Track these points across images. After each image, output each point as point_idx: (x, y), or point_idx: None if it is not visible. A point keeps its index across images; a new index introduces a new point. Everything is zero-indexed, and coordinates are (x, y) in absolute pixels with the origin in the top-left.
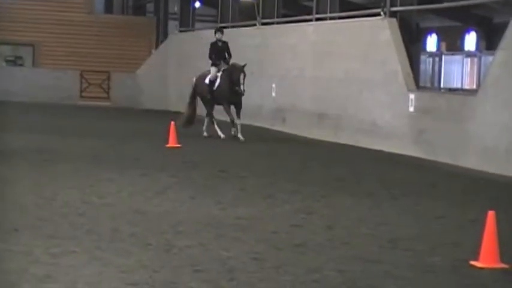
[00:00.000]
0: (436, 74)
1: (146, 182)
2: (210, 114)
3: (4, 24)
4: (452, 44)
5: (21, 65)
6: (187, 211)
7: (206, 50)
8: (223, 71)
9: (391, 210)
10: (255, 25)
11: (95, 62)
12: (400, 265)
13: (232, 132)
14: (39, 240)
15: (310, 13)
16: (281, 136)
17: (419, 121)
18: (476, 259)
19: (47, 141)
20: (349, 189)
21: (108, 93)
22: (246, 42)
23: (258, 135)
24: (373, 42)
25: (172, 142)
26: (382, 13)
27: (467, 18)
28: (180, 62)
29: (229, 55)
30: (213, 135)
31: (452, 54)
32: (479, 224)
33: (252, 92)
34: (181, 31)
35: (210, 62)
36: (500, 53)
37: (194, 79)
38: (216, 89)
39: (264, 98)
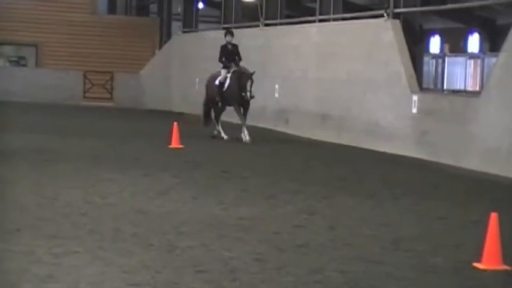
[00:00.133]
0: (439, 76)
1: (148, 182)
2: (217, 117)
3: (7, 25)
4: (456, 46)
5: (24, 65)
6: (190, 211)
7: (209, 50)
8: (232, 73)
9: (393, 211)
10: (258, 26)
11: (98, 62)
12: (402, 266)
13: (243, 136)
14: (41, 240)
15: (313, 14)
16: (284, 137)
17: (422, 122)
18: (478, 261)
19: (48, 141)
20: (351, 190)
21: (111, 93)
22: (249, 43)
23: (261, 136)
24: (376, 44)
25: (174, 143)
26: (385, 14)
27: (470, 19)
28: (184, 62)
29: (240, 58)
30: (218, 136)
31: (456, 56)
32: (482, 225)
33: (255, 93)
34: (184, 32)
35: (221, 65)
36: (503, 55)
37: (206, 80)
38: (226, 90)
39: (267, 99)
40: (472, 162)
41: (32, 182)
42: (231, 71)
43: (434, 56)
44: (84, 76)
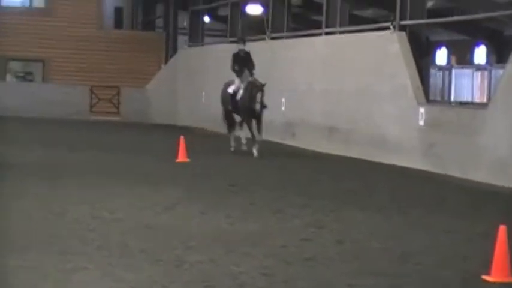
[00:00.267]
0: (446, 88)
1: (156, 197)
2: (230, 128)
3: (14, 40)
4: (462, 58)
5: (30, 80)
6: (197, 226)
7: (215, 64)
8: (247, 83)
9: (401, 224)
10: (264, 39)
11: (104, 77)
12: (410, 279)
13: (247, 148)
14: (50, 256)
15: (319, 27)
16: (291, 150)
17: (429, 134)
18: (487, 273)
19: (56, 155)
20: (359, 203)
21: (117, 108)
22: (255, 56)
23: (267, 149)
24: (382, 56)
25: (181, 157)
26: (391, 27)
27: (477, 31)
28: (190, 76)
29: (253, 65)
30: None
31: (462, 68)
32: (490, 238)
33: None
34: (190, 46)
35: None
36: (510, 67)
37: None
38: (239, 100)
39: (274, 112)
40: (480, 174)
41: (40, 197)
42: (245, 81)
43: (441, 68)
44: (91, 91)
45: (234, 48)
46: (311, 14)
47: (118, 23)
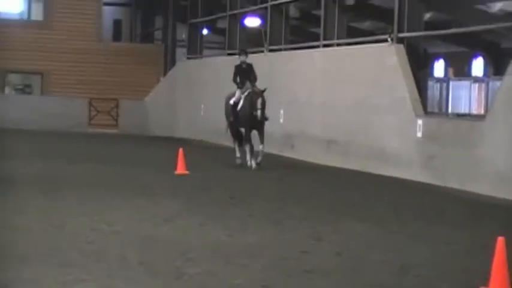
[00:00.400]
0: (444, 100)
1: (155, 209)
2: (234, 138)
3: (13, 53)
4: (460, 70)
5: (29, 93)
6: (196, 238)
7: (214, 76)
8: (247, 94)
9: (400, 236)
10: (262, 52)
11: (103, 89)
12: None
13: (241, 162)
14: (49, 268)
15: (317, 39)
16: (290, 162)
17: (428, 146)
18: (486, 285)
19: (55, 168)
20: (358, 215)
21: (116, 120)
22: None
23: (266, 161)
24: (380, 68)
25: (180, 169)
26: (389, 39)
27: (474, 44)
28: (188, 88)
29: (255, 77)
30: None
31: (460, 80)
32: (489, 250)
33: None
34: (189, 58)
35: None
36: (508, 79)
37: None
38: (240, 110)
39: (273, 124)
40: (478, 186)
41: (39, 210)
42: (246, 92)
43: (439, 80)
44: (90, 103)
45: (232, 60)
46: (309, 26)
47: (117, 36)
